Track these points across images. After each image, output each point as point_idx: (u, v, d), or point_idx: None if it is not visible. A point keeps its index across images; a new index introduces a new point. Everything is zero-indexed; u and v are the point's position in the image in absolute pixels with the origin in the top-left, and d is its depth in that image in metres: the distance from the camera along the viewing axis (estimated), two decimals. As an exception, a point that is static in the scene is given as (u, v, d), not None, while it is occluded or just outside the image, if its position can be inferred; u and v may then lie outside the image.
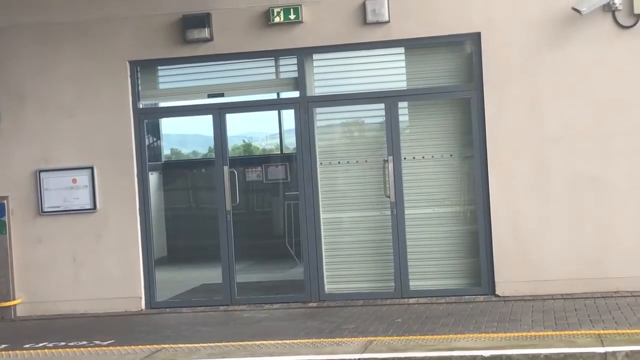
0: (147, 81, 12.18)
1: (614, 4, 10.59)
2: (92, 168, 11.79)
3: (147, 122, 12.21)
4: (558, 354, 7.92)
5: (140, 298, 11.77)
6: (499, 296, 10.94)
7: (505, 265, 10.97)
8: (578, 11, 10.53)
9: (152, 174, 12.42)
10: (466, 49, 11.31)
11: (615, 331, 8.66)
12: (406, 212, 11.30)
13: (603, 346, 8.03)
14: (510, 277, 10.94)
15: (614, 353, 7.84)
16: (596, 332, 8.69)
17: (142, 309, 11.74)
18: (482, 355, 8.01)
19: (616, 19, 10.72)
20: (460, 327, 9.35)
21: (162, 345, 9.23)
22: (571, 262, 10.81)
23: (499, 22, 10.94)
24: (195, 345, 9.19)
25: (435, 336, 8.96)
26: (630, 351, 7.83)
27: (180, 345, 9.22)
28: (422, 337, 8.97)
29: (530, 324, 9.30)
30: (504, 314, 9.96)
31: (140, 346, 9.25)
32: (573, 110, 10.81)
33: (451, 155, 11.39)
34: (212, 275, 12.25)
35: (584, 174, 10.77)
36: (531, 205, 10.89)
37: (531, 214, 10.90)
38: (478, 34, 11.02)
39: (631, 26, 10.71)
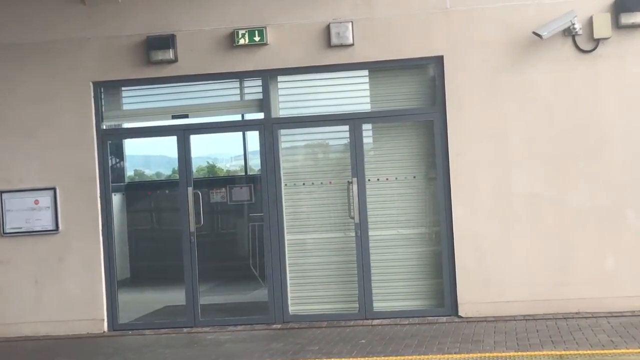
0: (111, 102, 12.16)
1: (574, 28, 10.75)
2: (54, 189, 11.71)
3: (111, 143, 12.16)
4: (520, 374, 8.00)
5: (103, 320, 11.68)
6: (462, 317, 11.01)
7: (468, 287, 11.04)
8: (539, 35, 10.67)
9: (115, 195, 12.35)
10: (429, 72, 11.42)
11: (576, 352, 8.75)
12: (370, 233, 11.35)
13: (564, 367, 8.11)
14: (473, 299, 11.02)
15: (575, 373, 7.93)
16: (558, 353, 8.78)
17: (104, 331, 11.65)
18: (445, 376, 8.07)
19: (576, 44, 10.89)
20: (423, 348, 9.40)
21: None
22: (533, 284, 10.91)
23: (461, 46, 11.06)
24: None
25: (399, 357, 9.00)
26: (591, 371, 7.93)
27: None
28: (386, 358, 9.00)
29: (492, 345, 9.36)
30: (466, 335, 10.02)
31: (102, 369, 9.19)
32: (534, 132, 10.94)
33: (415, 177, 11.46)
34: (175, 297, 12.18)
35: (544, 196, 10.89)
36: (493, 226, 10.99)
37: (493, 236, 10.99)
38: (441, 58, 11.13)
39: (591, 50, 10.88)
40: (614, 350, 8.75)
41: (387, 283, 11.41)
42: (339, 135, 11.64)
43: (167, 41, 11.49)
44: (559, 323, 10.35)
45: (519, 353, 8.88)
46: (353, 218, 11.35)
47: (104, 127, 11.97)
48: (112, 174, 12.06)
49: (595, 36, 10.80)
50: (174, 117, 11.97)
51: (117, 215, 12.45)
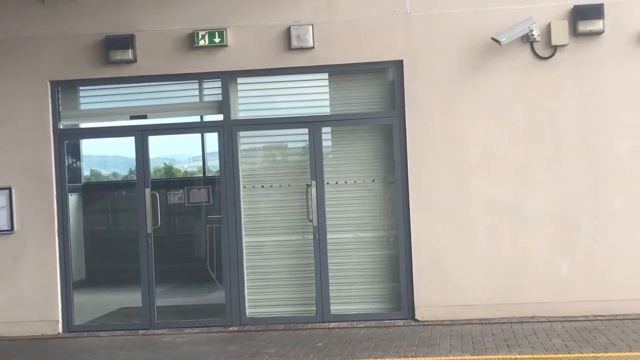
0: (68, 102, 12.04)
1: (532, 35, 10.85)
2: (10, 189, 11.57)
3: (68, 143, 12.05)
4: (476, 378, 8.05)
5: (58, 321, 11.56)
6: (418, 321, 11.06)
7: (425, 290, 11.09)
8: (497, 41, 10.76)
9: (71, 195, 12.25)
10: (389, 76, 11.47)
11: (531, 356, 8.83)
12: (328, 236, 11.36)
13: (519, 370, 8.18)
14: (429, 302, 11.07)
15: (530, 377, 8.01)
16: (513, 356, 8.85)
17: (59, 333, 11.53)
18: (401, 380, 8.10)
19: (534, 50, 10.99)
20: (380, 352, 9.42)
21: (80, 370, 9.10)
22: (489, 288, 10.99)
23: (421, 51, 11.12)
24: (114, 369, 9.08)
25: (355, 360, 9.02)
26: (546, 375, 8.01)
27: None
28: (343, 361, 9.02)
29: (448, 349, 9.42)
30: (423, 338, 10.07)
31: (57, 371, 9.10)
32: (492, 138, 11.02)
33: (373, 181, 11.50)
34: (131, 298, 12.10)
35: (501, 200, 10.98)
36: (451, 230, 11.05)
37: (451, 240, 11.05)
38: (401, 62, 11.18)
39: (548, 57, 10.99)
40: (568, 355, 8.84)
41: (345, 286, 11.43)
42: (299, 138, 11.64)
43: (126, 41, 11.41)
44: (514, 327, 10.43)
45: (475, 357, 8.94)
46: (311, 221, 11.35)
47: (61, 127, 11.85)
48: (68, 174, 11.94)
49: (553, 43, 10.91)
50: (132, 117, 11.89)
51: (73, 215, 12.34)
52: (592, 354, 8.80)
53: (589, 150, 10.91)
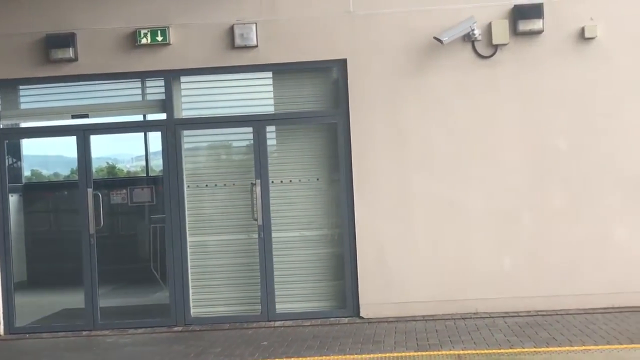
0: (8, 101, 11.88)
1: (473, 34, 10.97)
2: (-52, 189, 11.38)
3: (8, 142, 11.87)
4: (420, 374, 8.12)
5: (-1, 323, 11.42)
6: (363, 318, 11.11)
7: (370, 288, 11.15)
8: (440, 40, 10.86)
9: (12, 196, 12.05)
10: (333, 75, 11.50)
11: (474, 351, 8.94)
12: (273, 235, 11.35)
13: (463, 366, 8.27)
14: (374, 300, 11.13)
15: (473, 372, 8.10)
16: (456, 352, 8.94)
17: (0, 335, 11.35)
18: (347, 377, 8.14)
19: (476, 49, 11.12)
20: (325, 349, 9.46)
21: (22, 373, 8.99)
22: (433, 285, 11.08)
23: (364, 49, 11.17)
24: (57, 371, 8.98)
25: (300, 358, 9.05)
26: (489, 370, 8.11)
27: (41, 372, 8.99)
28: (288, 359, 9.01)
29: (393, 345, 9.48)
30: (368, 335, 10.12)
31: (-2, 374, 8.97)
32: (434, 136, 11.12)
33: (318, 179, 11.52)
34: (74, 299, 11.95)
35: (445, 198, 11.09)
36: (395, 228, 11.12)
37: (395, 238, 11.13)
38: (344, 61, 11.22)
39: (490, 56, 11.12)
40: (510, 350, 8.96)
41: (290, 285, 11.44)
42: (243, 137, 11.62)
43: (67, 39, 11.29)
44: (457, 323, 10.54)
45: (419, 353, 9.01)
46: (256, 220, 11.34)
47: (1, 127, 11.70)
48: (8, 174, 11.76)
49: (494, 42, 11.04)
50: (73, 116, 11.75)
51: (13, 216, 12.14)
52: (534, 349, 8.93)
53: (528, 148, 11.06)
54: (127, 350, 10.12)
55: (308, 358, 9.04)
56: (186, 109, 11.68)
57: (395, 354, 8.98)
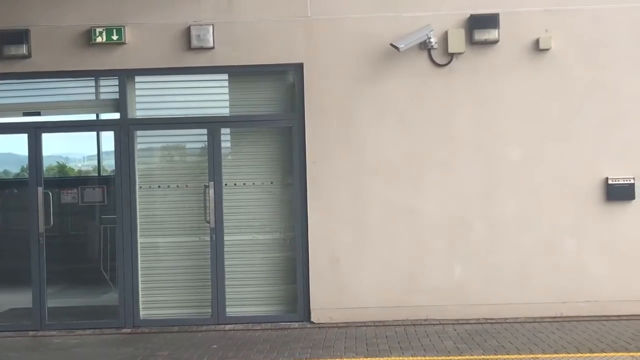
0: (-41, 96, 11.70)
1: (430, 42, 11.03)
2: None
3: (-43, 138, 11.70)
4: (370, 379, 8.13)
5: (-57, 323, 11.21)
6: (314, 323, 11.10)
7: (321, 293, 11.14)
8: (396, 47, 10.89)
9: (-40, 193, 11.87)
10: (289, 79, 11.49)
11: (423, 358, 8.98)
12: (225, 238, 11.30)
13: (412, 372, 8.30)
14: (325, 304, 11.12)
15: (422, 379, 8.13)
16: (405, 358, 8.99)
17: (-56, 335, 11.17)
18: (296, 382, 8.12)
19: (432, 57, 11.17)
20: (275, 354, 9.43)
21: (-34, 373, 8.83)
22: (384, 291, 11.10)
23: (321, 54, 11.18)
24: (2, 372, 8.84)
25: (250, 362, 9.00)
26: (438, 377, 8.15)
27: (-14, 373, 8.85)
28: (238, 363, 8.99)
29: (343, 351, 9.49)
30: (318, 340, 10.11)
31: (-59, 373, 8.81)
32: (389, 142, 11.15)
33: (272, 183, 11.49)
34: (21, 299, 11.78)
35: (399, 205, 11.12)
36: (348, 234, 11.13)
37: (348, 243, 11.13)
38: (301, 65, 11.21)
39: (445, 64, 11.18)
40: (459, 357, 9.02)
41: (241, 288, 11.39)
42: (197, 138, 11.54)
43: (20, 36, 11.13)
44: (407, 329, 10.57)
45: (368, 358, 9.03)
46: (209, 222, 11.28)
47: (-50, 122, 11.51)
48: (-43, 171, 11.60)
49: (450, 51, 11.11)
50: (25, 114, 11.59)
51: (-39, 213, 11.97)
52: (482, 356, 8.99)
53: (482, 156, 11.14)
54: (75, 352, 10.00)
55: (258, 362, 9.01)
56: (140, 109, 11.59)
57: (345, 360, 8.99)
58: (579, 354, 8.99)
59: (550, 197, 11.11)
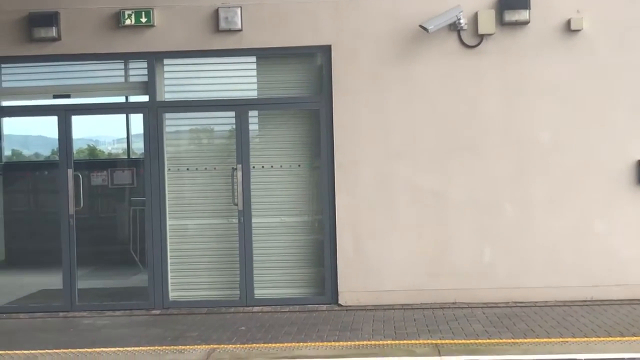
0: (-10, 79, 11.79)
1: (459, 23, 10.94)
2: None
3: (-12, 121, 11.80)
4: (397, 362, 8.14)
5: (-25, 303, 11.34)
6: (341, 305, 11.10)
7: (349, 275, 11.14)
8: (425, 29, 10.82)
9: (-9, 175, 11.98)
10: (317, 61, 11.45)
11: (451, 341, 8.95)
12: (253, 220, 11.32)
13: (440, 355, 8.30)
14: (353, 287, 11.12)
15: (449, 362, 8.13)
16: (434, 341, 8.95)
17: (-24, 315, 11.31)
18: (323, 364, 8.15)
19: (461, 39, 11.09)
20: (302, 336, 9.44)
21: (-3, 352, 8.94)
22: (411, 274, 11.08)
23: (349, 36, 11.12)
24: (32, 351, 8.92)
25: (278, 344, 9.02)
26: (465, 360, 8.14)
27: (17, 352, 8.94)
28: (265, 345, 9.01)
29: (370, 333, 9.48)
30: (345, 323, 10.11)
31: (-28, 353, 8.92)
32: (417, 125, 11.10)
33: (299, 165, 11.48)
34: (52, 280, 11.89)
35: (425, 188, 11.07)
36: (375, 217, 11.10)
37: (375, 226, 11.11)
38: (329, 47, 11.17)
39: (475, 46, 11.09)
40: (488, 340, 8.98)
41: (269, 270, 11.41)
42: (225, 121, 11.56)
43: (50, 18, 11.18)
44: (436, 312, 10.54)
45: (396, 341, 9.01)
46: (237, 205, 11.30)
47: (-18, 105, 11.61)
48: (-12, 154, 11.70)
49: (480, 32, 11.02)
50: (55, 96, 11.66)
51: (-7, 195, 12.08)
52: (511, 340, 8.95)
53: (511, 139, 11.06)
54: (104, 332, 10.08)
55: (286, 344, 9.02)
56: (169, 92, 11.61)
57: (373, 342, 8.97)
58: (610, 338, 8.93)
59: (580, 180, 11.01)
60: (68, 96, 11.65)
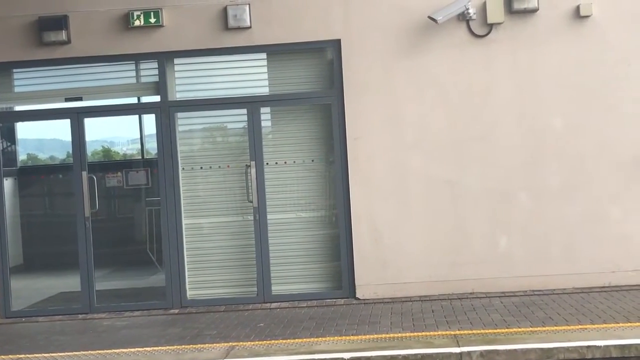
0: (2, 84, 11.82)
1: (468, 13, 10.92)
2: (-57, 173, 11.34)
3: (2, 126, 11.84)
4: (416, 354, 8.14)
5: (-5, 308, 11.40)
6: (359, 299, 11.11)
7: (365, 269, 11.14)
8: (434, 20, 10.80)
9: (7, 179, 12.03)
10: (327, 56, 11.45)
11: (470, 331, 8.94)
12: (269, 217, 11.34)
13: (459, 346, 8.28)
14: (370, 280, 11.13)
15: (469, 353, 8.11)
16: (452, 332, 8.94)
17: (-4, 319, 11.39)
18: (342, 358, 8.16)
19: (470, 28, 11.06)
20: (321, 331, 9.45)
21: (18, 356, 9.00)
22: (428, 265, 11.08)
23: (358, 30, 11.12)
24: (52, 354, 8.98)
25: (296, 340, 9.04)
26: (485, 351, 8.13)
27: (37, 355, 9.00)
28: (284, 341, 9.03)
29: (389, 326, 9.48)
30: (364, 316, 10.12)
31: (-6, 358, 8.97)
32: (429, 115, 11.09)
33: (313, 161, 11.49)
34: (70, 283, 11.96)
35: (439, 178, 11.06)
36: (390, 209, 11.10)
37: (390, 218, 11.11)
38: (338, 41, 11.17)
39: (484, 35, 11.07)
40: (507, 330, 8.96)
41: (286, 266, 11.43)
42: (237, 118, 11.58)
43: (59, 22, 11.23)
44: (454, 303, 10.54)
45: (415, 334, 9.01)
46: (251, 202, 11.32)
47: (-5, 110, 11.66)
48: (3, 158, 11.74)
49: (489, 21, 10.99)
50: (67, 99, 11.71)
51: (9, 200, 12.13)
52: (530, 329, 8.93)
53: (523, 127, 11.03)
54: (124, 333, 10.12)
55: (304, 339, 9.04)
56: (180, 91, 11.63)
57: (392, 335, 8.97)
58: (629, 324, 8.89)
59: (594, 166, 10.97)
60: (80, 99, 11.70)
